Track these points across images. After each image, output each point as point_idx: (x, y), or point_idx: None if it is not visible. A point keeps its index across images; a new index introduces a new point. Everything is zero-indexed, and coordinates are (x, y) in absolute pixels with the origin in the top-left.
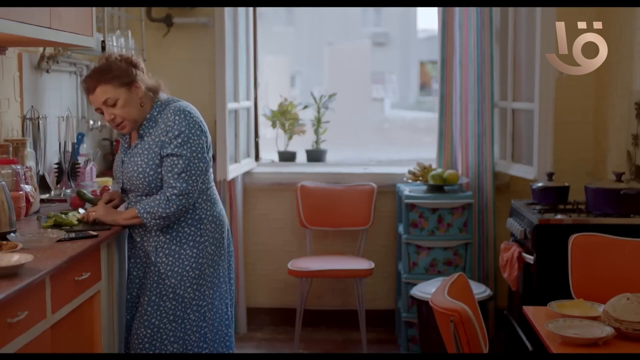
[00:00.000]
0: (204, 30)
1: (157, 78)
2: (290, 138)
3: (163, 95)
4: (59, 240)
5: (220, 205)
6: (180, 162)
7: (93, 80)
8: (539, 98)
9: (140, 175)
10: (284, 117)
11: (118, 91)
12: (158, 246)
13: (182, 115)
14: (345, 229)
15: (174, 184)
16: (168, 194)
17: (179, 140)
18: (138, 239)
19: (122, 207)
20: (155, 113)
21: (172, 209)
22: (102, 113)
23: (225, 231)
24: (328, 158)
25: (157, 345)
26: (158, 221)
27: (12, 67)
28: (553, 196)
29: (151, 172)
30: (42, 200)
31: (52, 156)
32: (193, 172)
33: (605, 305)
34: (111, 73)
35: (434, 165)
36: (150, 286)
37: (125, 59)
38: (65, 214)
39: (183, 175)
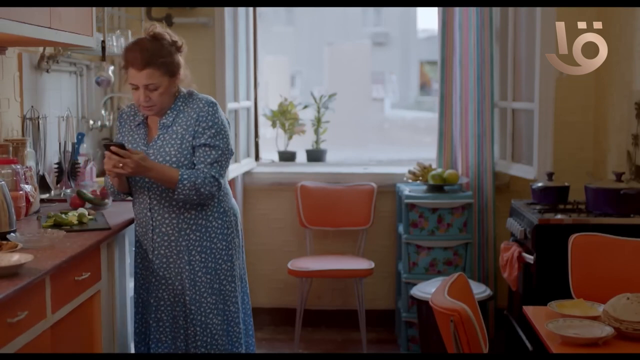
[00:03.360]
0: (204, 30)
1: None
2: (290, 138)
3: (182, 88)
4: (70, 231)
5: (233, 198)
6: (214, 152)
7: (144, 58)
8: (539, 98)
9: (174, 166)
10: (284, 117)
11: (162, 79)
12: (190, 245)
13: (215, 108)
14: (345, 229)
15: (207, 172)
16: (209, 175)
17: (212, 131)
18: (171, 238)
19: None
20: (180, 103)
21: (207, 189)
22: (136, 88)
23: (240, 223)
24: (328, 158)
25: (208, 341)
26: (191, 193)
27: (12, 67)
28: (553, 196)
29: (186, 162)
30: (42, 200)
31: (52, 156)
32: (223, 163)
33: (605, 305)
34: (162, 57)
35: (434, 165)
36: (189, 284)
37: (174, 42)
38: (65, 213)
39: (215, 165)
